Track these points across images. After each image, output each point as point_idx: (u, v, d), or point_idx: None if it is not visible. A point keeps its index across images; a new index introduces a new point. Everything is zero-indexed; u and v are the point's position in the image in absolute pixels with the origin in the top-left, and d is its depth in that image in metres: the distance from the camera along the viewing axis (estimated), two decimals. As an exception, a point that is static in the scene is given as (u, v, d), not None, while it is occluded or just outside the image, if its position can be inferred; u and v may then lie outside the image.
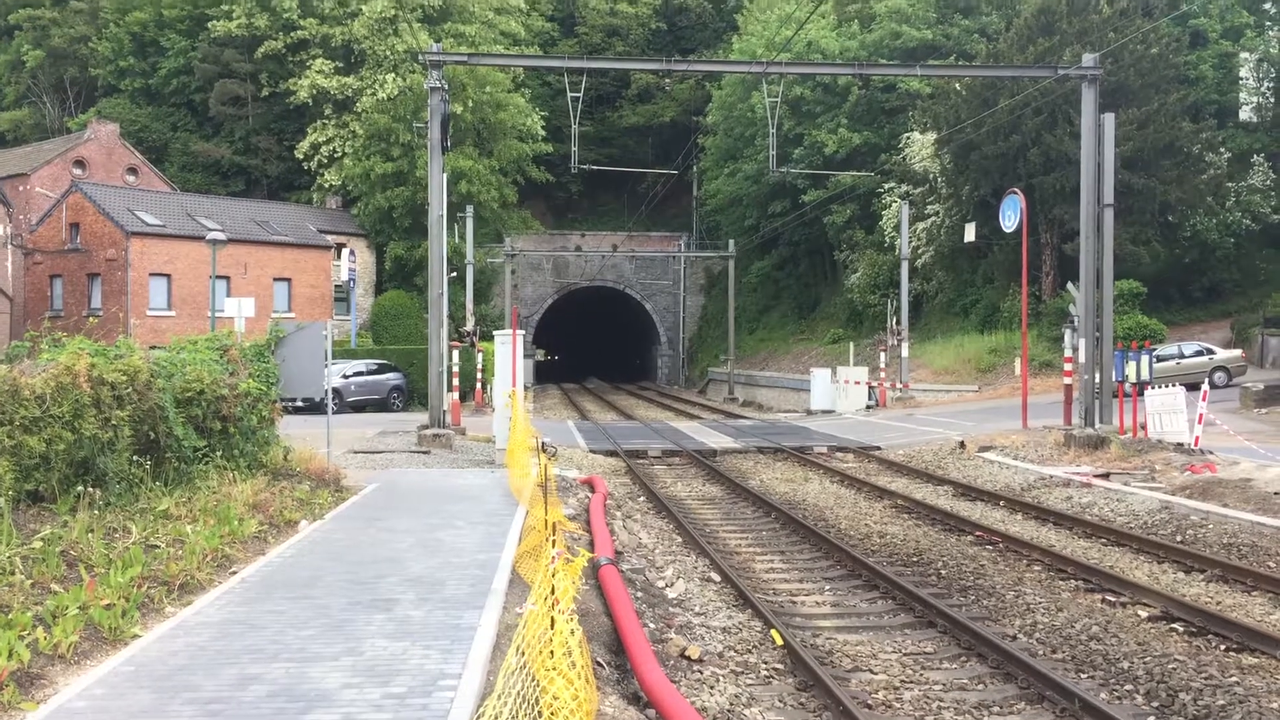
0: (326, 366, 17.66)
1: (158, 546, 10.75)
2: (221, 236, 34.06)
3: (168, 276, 46.51)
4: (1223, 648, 9.92)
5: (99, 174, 53.28)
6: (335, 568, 10.86)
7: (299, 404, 24.68)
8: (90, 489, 11.47)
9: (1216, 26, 45.11)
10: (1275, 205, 43.13)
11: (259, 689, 7.08)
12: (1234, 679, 9.05)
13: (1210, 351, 35.75)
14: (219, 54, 63.14)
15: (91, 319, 38.69)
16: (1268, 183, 43.51)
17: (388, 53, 60.64)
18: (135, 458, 12.50)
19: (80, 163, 53.74)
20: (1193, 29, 44.62)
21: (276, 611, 9.12)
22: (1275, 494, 15.87)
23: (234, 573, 10.65)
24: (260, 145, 64.38)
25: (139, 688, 7.13)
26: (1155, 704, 8.63)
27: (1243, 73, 45.40)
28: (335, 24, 61.68)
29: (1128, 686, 9.00)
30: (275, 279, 50.81)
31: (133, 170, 55.98)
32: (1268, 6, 46.42)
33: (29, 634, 7.81)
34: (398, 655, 7.83)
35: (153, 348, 15.77)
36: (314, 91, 59.63)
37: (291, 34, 61.53)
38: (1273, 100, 46.16)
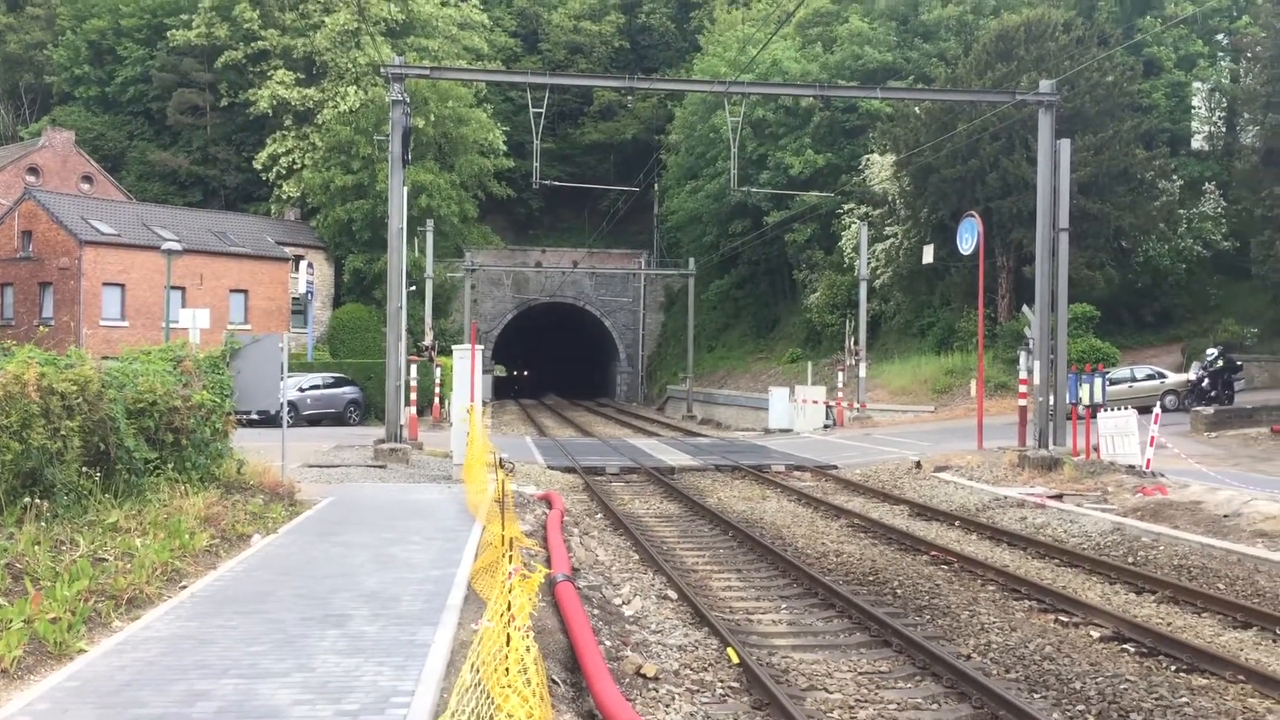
0: (283, 379, 17.48)
1: (106, 559, 10.57)
2: (177, 246, 33.76)
3: (121, 286, 45.88)
4: (1173, 669, 10.02)
5: (53, 182, 52.51)
6: (288, 582, 10.73)
7: (254, 416, 24.46)
8: (38, 500, 11.27)
9: (1171, 55, 45.84)
10: (1225, 233, 43.86)
11: (207, 706, 6.96)
12: (1184, 699, 9.15)
13: (1162, 375, 36.22)
14: (178, 63, 62.50)
15: (42, 328, 37.99)
16: (1218, 210, 44.25)
17: (350, 65, 60.40)
18: (84, 469, 12.29)
19: (34, 170, 52.95)
20: (1147, 57, 45.35)
21: (227, 627, 8.99)
22: (1225, 517, 16.07)
23: (184, 587, 10.49)
24: (219, 156, 63.74)
25: (84, 704, 6.99)
26: (1107, 724, 8.70)
27: (1195, 102, 46.16)
28: (297, 35, 61.31)
29: (1080, 707, 9.05)
30: (232, 290, 50.31)
31: (88, 179, 55.22)
32: (1220, 37, 47.28)
33: (-29, 648, 7.65)
34: (350, 672, 7.73)
35: (105, 358, 15.55)
36: (274, 102, 59.19)
37: (252, 44, 60.97)
38: (1224, 129, 47.00)
